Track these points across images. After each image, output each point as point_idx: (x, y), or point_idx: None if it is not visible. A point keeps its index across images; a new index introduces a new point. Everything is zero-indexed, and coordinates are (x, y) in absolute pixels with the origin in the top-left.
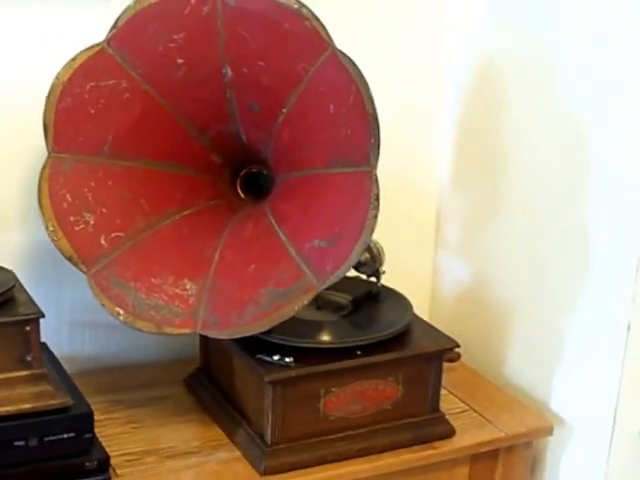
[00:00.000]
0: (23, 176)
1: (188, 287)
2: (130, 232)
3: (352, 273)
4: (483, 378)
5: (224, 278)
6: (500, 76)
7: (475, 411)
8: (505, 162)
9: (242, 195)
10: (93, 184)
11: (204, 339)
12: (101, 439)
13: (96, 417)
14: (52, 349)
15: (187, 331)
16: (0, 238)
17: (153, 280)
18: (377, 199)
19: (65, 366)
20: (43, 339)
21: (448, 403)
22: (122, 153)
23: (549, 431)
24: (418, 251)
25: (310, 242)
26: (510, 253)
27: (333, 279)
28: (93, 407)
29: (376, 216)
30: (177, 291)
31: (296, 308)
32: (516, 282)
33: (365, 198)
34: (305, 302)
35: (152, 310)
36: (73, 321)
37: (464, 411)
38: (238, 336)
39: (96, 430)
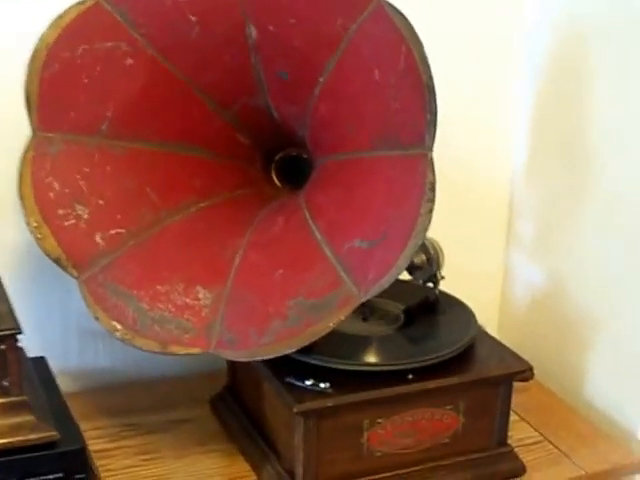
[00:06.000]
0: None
1: (201, 296)
2: (133, 229)
3: (405, 276)
4: (561, 401)
5: (246, 286)
6: (584, 44)
7: (550, 442)
8: (591, 148)
9: (278, 183)
10: (88, 170)
11: None
12: (105, 475)
13: (104, 445)
14: (57, 363)
15: (198, 351)
16: None
17: (159, 287)
18: (433, 189)
19: (74, 383)
20: (45, 352)
21: (518, 432)
22: (124, 132)
23: (637, 467)
24: (486, 252)
25: (350, 242)
26: (595, 255)
27: (377, 289)
28: (102, 432)
29: (431, 210)
30: (188, 301)
31: (331, 325)
32: (602, 289)
33: (418, 188)
34: (342, 317)
35: (156, 325)
36: (83, 329)
37: (537, 442)
38: (259, 358)
39: (102, 462)
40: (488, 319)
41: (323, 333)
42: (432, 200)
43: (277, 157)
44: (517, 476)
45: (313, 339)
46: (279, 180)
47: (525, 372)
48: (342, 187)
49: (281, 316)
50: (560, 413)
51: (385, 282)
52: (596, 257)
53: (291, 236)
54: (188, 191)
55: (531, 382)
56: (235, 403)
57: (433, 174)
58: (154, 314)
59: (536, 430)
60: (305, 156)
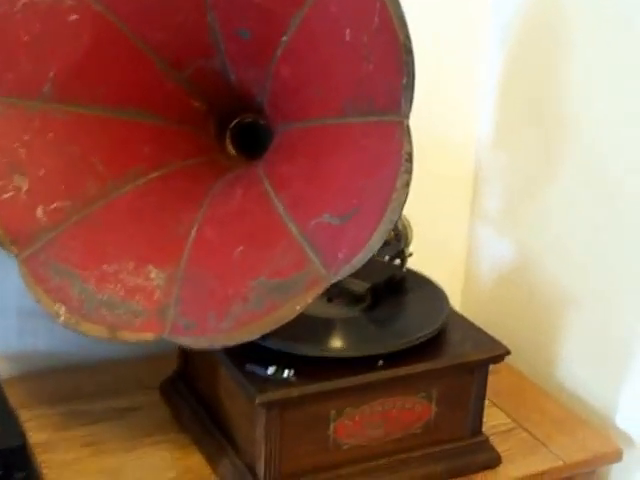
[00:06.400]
0: None
1: (153, 276)
2: (78, 202)
3: None
4: (532, 384)
5: (202, 265)
6: (557, 6)
7: (524, 429)
8: (564, 113)
9: (233, 152)
10: (27, 137)
11: None
12: (46, 472)
13: (47, 437)
14: None
15: (150, 337)
16: None
17: (106, 267)
18: (410, 160)
19: (12, 367)
20: None
21: (490, 418)
22: (68, 96)
23: (617, 456)
24: (448, 224)
25: (318, 217)
26: (567, 229)
27: (348, 269)
28: (44, 422)
29: (408, 183)
30: (138, 282)
31: (298, 308)
32: (575, 265)
33: (393, 158)
34: (310, 300)
35: (104, 308)
36: (22, 309)
37: (510, 430)
38: (219, 346)
39: (44, 456)
40: (451, 296)
41: (289, 317)
42: (409, 171)
43: (232, 124)
44: (492, 467)
45: (278, 324)
46: (234, 149)
47: (503, 357)
48: (308, 157)
49: (242, 298)
50: (532, 397)
51: (357, 262)
52: (568, 231)
53: (251, 210)
54: (137, 160)
55: (500, 364)
56: (187, 389)
57: (410, 143)
58: (101, 296)
59: (509, 416)
60: (263, 122)
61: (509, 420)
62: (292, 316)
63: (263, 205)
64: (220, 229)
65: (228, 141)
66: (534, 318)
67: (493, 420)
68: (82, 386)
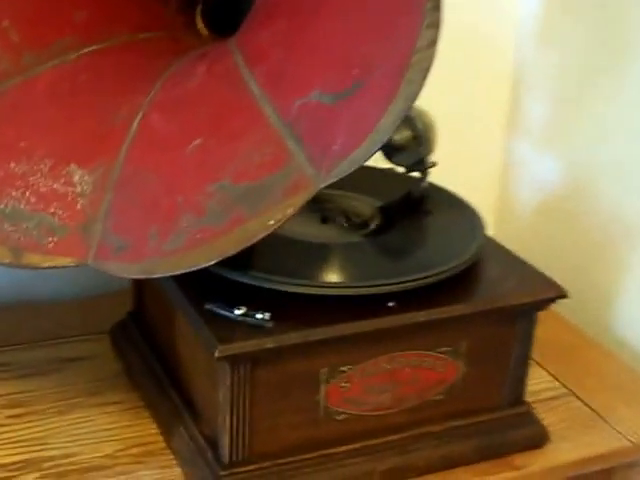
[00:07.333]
0: None
1: (77, 180)
2: None
3: (380, 161)
4: (587, 339)
5: (144, 165)
6: None
7: (577, 397)
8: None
9: (204, 30)
10: None
11: None
12: None
13: None
14: None
15: (69, 262)
16: None
17: (13, 166)
18: (437, 7)
19: None
20: None
21: (533, 382)
22: None
23: None
24: (481, 139)
25: (304, 96)
26: (628, 147)
27: (346, 166)
28: None
29: (434, 41)
30: (56, 187)
31: (272, 222)
32: (637, 192)
33: (412, 8)
34: (291, 211)
35: (7, 222)
36: None
37: (558, 397)
38: (160, 274)
39: None
40: None
41: (259, 235)
42: (436, 25)
43: None
44: (537, 446)
45: (244, 244)
46: (206, 26)
47: (554, 301)
48: (293, 17)
49: (196, 209)
50: (587, 355)
51: (360, 155)
52: (629, 150)
53: (215, 90)
54: (66, 29)
55: (545, 312)
56: (141, 336)
57: None
58: (3, 206)
59: (555, 379)
60: None
61: (557, 385)
62: (264, 233)
63: (231, 83)
64: (171, 117)
65: (198, 16)
66: (586, 256)
67: (536, 384)
68: (11, 333)
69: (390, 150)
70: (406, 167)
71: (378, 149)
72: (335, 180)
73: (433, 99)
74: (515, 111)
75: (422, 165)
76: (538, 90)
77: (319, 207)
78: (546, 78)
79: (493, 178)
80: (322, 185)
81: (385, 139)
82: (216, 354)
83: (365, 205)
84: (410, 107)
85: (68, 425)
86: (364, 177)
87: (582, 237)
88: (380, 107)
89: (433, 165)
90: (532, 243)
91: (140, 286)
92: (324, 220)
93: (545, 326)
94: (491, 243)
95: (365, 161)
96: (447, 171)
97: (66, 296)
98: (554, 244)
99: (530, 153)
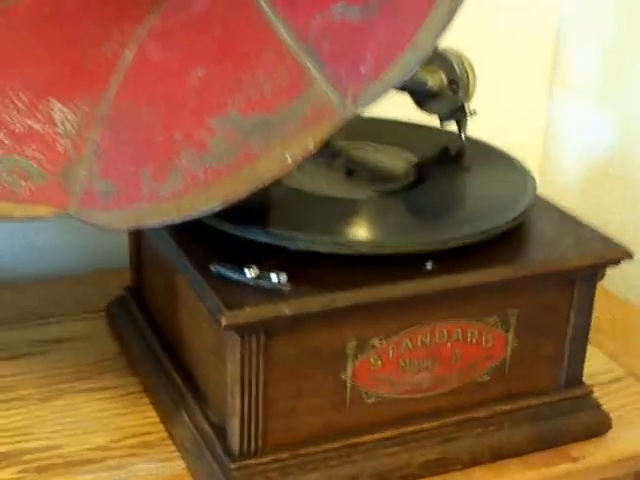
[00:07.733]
0: None
1: (58, 117)
2: None
3: (414, 113)
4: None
5: (138, 98)
6: None
7: (637, 379)
8: None
9: None
10: None
11: (134, 235)
12: None
13: None
14: None
15: (47, 212)
16: None
17: None
18: None
19: None
20: None
21: (588, 363)
22: None
23: None
24: (521, 92)
25: (324, 10)
26: None
27: (375, 92)
28: None
29: None
30: (34, 125)
31: (287, 159)
32: None
33: None
34: (310, 146)
35: None
36: None
37: (618, 380)
38: (154, 224)
39: None
40: None
41: (274, 174)
42: None
43: None
44: (598, 434)
45: (255, 186)
46: None
47: (619, 261)
48: None
49: (197, 145)
50: None
51: (391, 77)
52: None
53: (221, 15)
54: None
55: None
56: (141, 313)
57: None
58: None
59: (614, 360)
60: None
61: (616, 366)
62: (279, 171)
63: (240, 5)
64: (171, 45)
65: None
66: (635, 220)
67: (592, 366)
68: (3, 309)
69: (423, 97)
70: (441, 117)
71: (413, 73)
72: (363, 109)
73: (471, 47)
74: (559, 64)
75: (460, 113)
76: (584, 41)
77: (343, 159)
78: (593, 28)
79: (536, 137)
80: (349, 116)
81: (423, 60)
82: (223, 322)
83: (398, 160)
84: (451, 21)
85: (53, 413)
86: (396, 132)
87: (633, 202)
88: (415, 23)
89: (473, 113)
90: (578, 207)
91: (139, 257)
92: (349, 172)
93: (599, 302)
94: (542, 202)
95: (401, 83)
96: (483, 128)
97: (59, 271)
98: (602, 208)
99: (576, 112)
